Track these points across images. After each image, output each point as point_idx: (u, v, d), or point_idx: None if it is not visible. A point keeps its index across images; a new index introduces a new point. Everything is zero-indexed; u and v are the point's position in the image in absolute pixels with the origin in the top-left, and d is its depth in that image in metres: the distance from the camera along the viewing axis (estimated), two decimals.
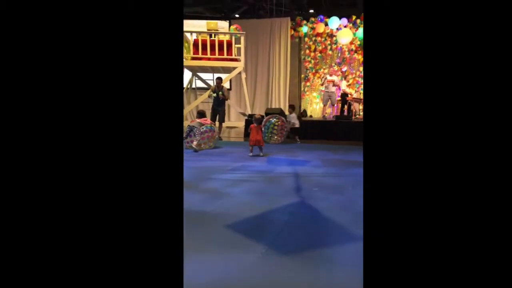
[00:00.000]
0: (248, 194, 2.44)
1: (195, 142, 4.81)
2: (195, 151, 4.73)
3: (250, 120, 7.21)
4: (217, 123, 6.28)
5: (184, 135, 4.95)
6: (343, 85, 8.81)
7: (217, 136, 5.32)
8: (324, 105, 8.39)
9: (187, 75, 8.52)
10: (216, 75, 8.33)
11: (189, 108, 8.13)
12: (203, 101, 8.38)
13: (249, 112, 7.77)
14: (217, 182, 2.81)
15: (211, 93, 6.46)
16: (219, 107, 6.40)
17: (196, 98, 9.02)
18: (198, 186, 2.67)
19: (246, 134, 7.15)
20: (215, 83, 6.62)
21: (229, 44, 7.80)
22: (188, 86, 8.87)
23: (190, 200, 2.22)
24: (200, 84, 9.14)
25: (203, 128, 5.02)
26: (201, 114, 5.46)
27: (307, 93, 10.50)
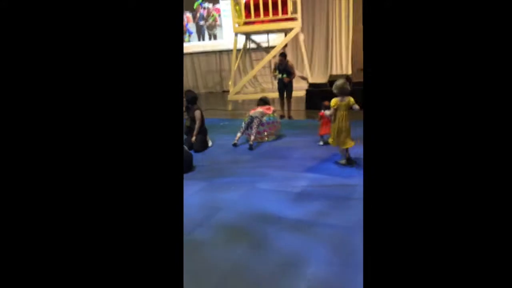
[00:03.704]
0: None
1: (252, 137, 4.43)
2: (250, 148, 4.34)
3: (311, 90, 6.69)
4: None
5: (244, 127, 4.62)
6: None
7: (280, 127, 4.88)
8: None
9: (240, 39, 8.00)
10: (271, 35, 7.66)
11: (247, 79, 7.70)
12: (263, 67, 7.90)
13: (309, 79, 7.18)
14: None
15: (275, 73, 5.88)
16: (285, 86, 5.87)
17: (251, 63, 8.58)
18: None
19: (308, 106, 6.71)
20: (277, 61, 5.93)
21: (284, 1, 6.97)
22: (242, 52, 8.39)
23: None
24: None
25: (265, 119, 4.62)
26: (264, 102, 5.00)
27: None
